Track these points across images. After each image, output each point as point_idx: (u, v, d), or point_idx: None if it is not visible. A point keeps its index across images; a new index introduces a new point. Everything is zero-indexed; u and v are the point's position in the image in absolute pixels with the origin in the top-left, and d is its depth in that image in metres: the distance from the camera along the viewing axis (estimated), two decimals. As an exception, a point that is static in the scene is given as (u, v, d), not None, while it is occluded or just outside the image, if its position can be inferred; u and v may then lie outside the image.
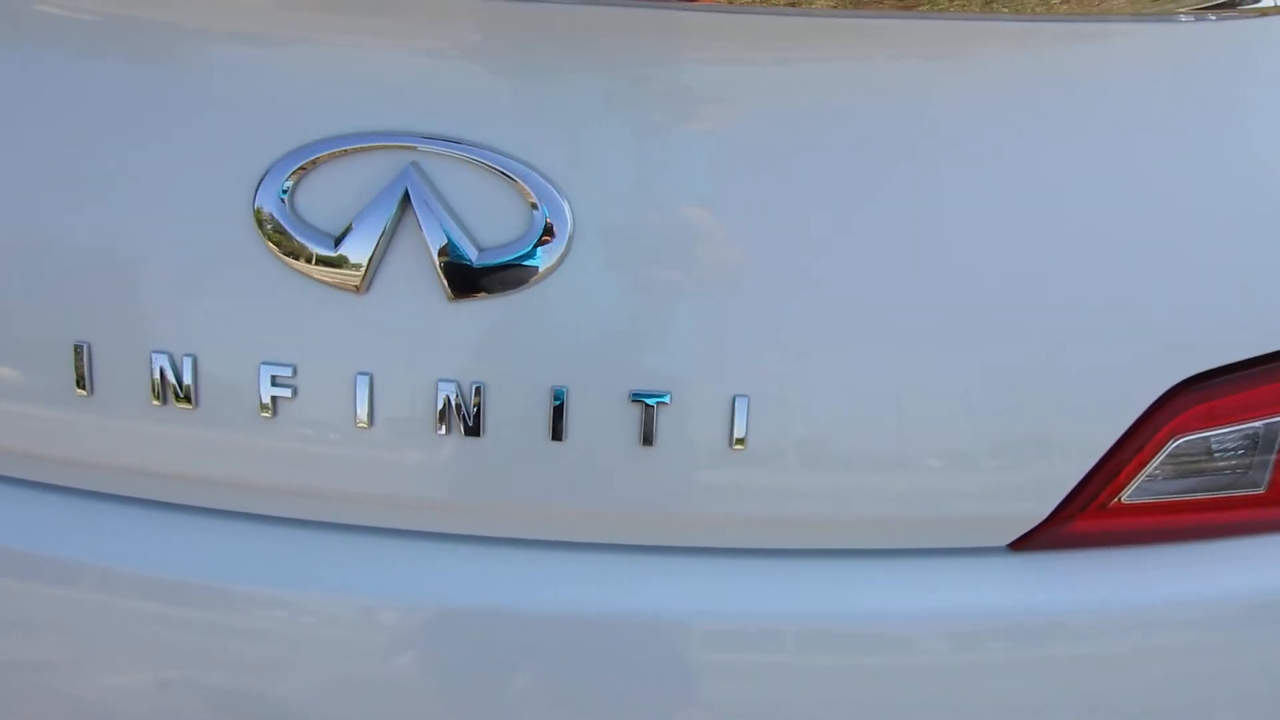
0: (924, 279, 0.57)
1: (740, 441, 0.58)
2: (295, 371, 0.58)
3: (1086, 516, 0.63)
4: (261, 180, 0.56)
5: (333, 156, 0.56)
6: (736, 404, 0.58)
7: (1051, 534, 0.63)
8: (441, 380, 0.58)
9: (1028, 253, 0.58)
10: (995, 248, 0.57)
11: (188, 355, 0.59)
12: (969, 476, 0.61)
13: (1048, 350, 0.58)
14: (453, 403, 0.58)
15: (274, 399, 0.59)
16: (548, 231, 0.56)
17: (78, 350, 0.59)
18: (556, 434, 0.58)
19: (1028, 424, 0.60)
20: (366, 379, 0.58)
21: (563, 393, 0.58)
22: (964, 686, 0.64)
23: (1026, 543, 0.64)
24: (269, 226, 0.57)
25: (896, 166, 0.56)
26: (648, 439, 0.58)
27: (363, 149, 0.56)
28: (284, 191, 0.56)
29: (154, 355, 0.59)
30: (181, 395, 0.59)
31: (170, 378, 0.59)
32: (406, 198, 0.55)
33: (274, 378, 0.58)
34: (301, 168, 0.56)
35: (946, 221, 0.57)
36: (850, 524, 0.63)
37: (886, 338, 0.57)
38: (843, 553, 0.64)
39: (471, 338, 0.58)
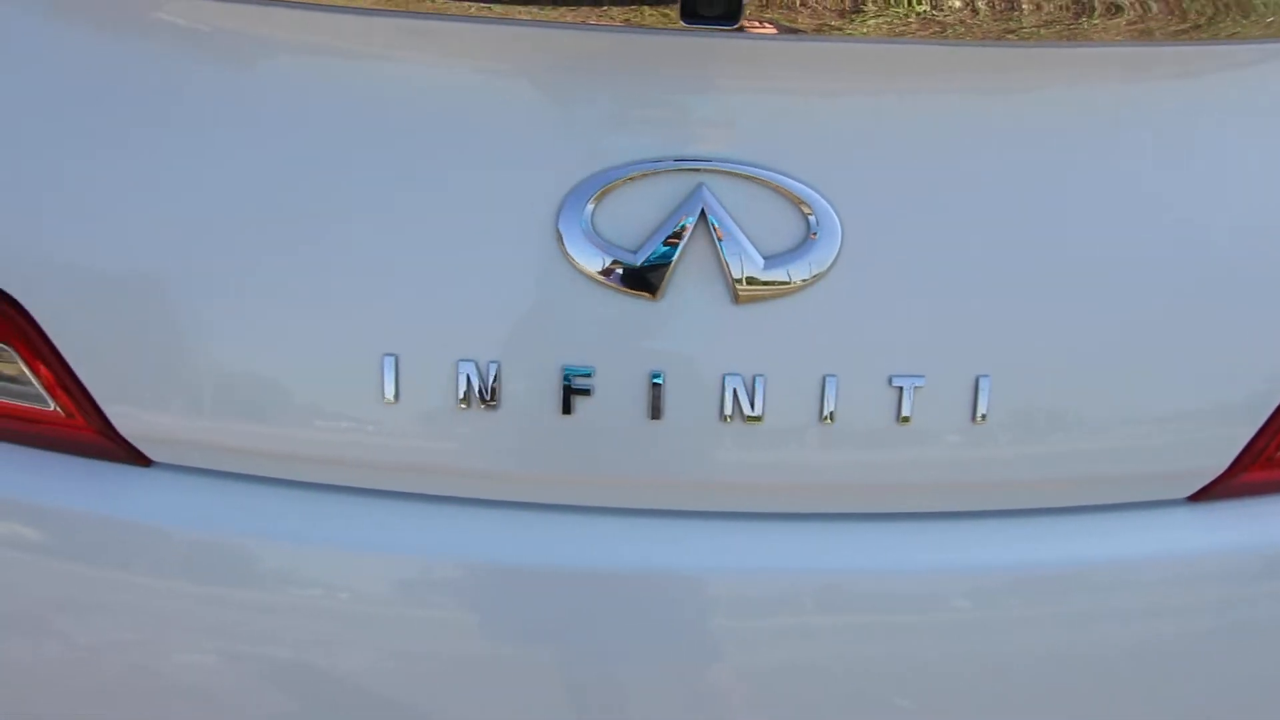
0: (1134, 268, 0.67)
1: (983, 417, 0.67)
2: (593, 373, 0.66)
3: (1257, 468, 0.73)
4: (566, 199, 0.64)
5: (632, 179, 0.64)
6: (980, 383, 0.67)
7: (1226, 485, 0.74)
8: (727, 374, 0.66)
9: (1213, 241, 0.68)
10: (1186, 239, 0.68)
11: (492, 362, 0.66)
12: (1164, 437, 0.71)
13: (1233, 328, 0.69)
14: (737, 394, 0.66)
15: (573, 398, 0.66)
16: (821, 241, 0.65)
17: (390, 362, 0.66)
18: (824, 416, 0.67)
19: (1213, 389, 0.70)
20: (660, 377, 0.66)
21: (833, 380, 0.66)
22: (1158, 627, 0.74)
23: (1204, 494, 0.74)
24: (572, 242, 0.64)
25: (1120, 179, 0.67)
26: (904, 418, 0.67)
27: (659, 172, 0.64)
28: (587, 209, 0.64)
29: (460, 364, 0.66)
30: (487, 399, 0.66)
31: (474, 383, 0.66)
32: (702, 214, 0.64)
33: (575, 379, 0.66)
34: (605, 188, 0.64)
35: (1153, 223, 0.68)
36: (1062, 483, 0.72)
37: (1106, 323, 0.67)
38: (1042, 511, 0.74)
39: (753, 336, 0.66)
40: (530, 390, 0.66)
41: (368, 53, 0.65)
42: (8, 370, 0.69)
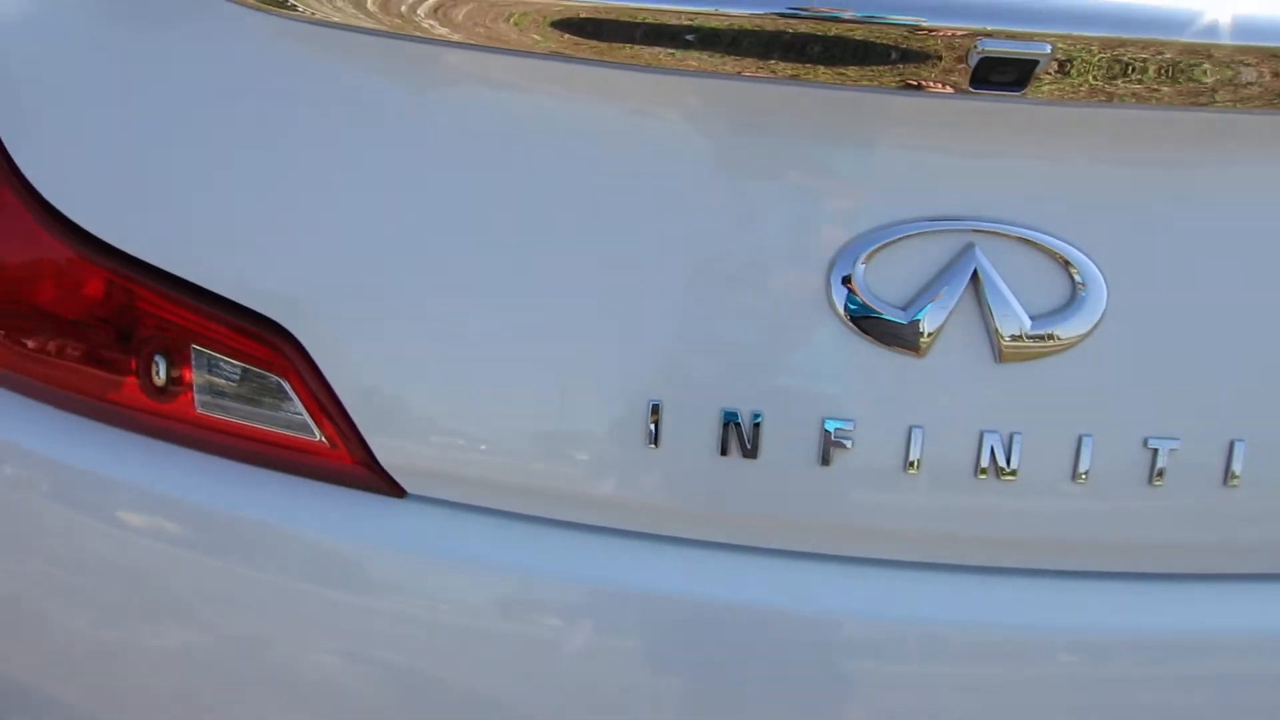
0: None
1: (1235, 480, 0.68)
2: (854, 425, 0.67)
3: None
4: (838, 256, 0.65)
5: (903, 239, 0.65)
6: (1235, 446, 0.67)
7: None
8: (985, 430, 0.67)
9: None
10: None
11: (755, 412, 0.68)
12: None
13: None
14: (994, 450, 0.67)
15: (833, 449, 0.67)
16: (1086, 302, 0.66)
17: (653, 408, 0.68)
18: (1078, 474, 0.68)
19: None
20: (920, 431, 0.67)
21: (1089, 439, 0.67)
22: None
23: None
24: (841, 298, 0.66)
25: None
26: (1157, 478, 0.68)
27: (930, 232, 0.65)
28: (857, 267, 0.65)
29: (723, 412, 0.68)
30: (748, 449, 0.68)
31: (736, 432, 0.68)
32: (973, 275, 0.65)
33: (835, 430, 0.67)
34: (877, 247, 0.65)
35: None
36: None
37: None
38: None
39: (1014, 394, 0.67)
40: (790, 441, 0.67)
41: (645, 108, 0.67)
42: (279, 401, 0.72)
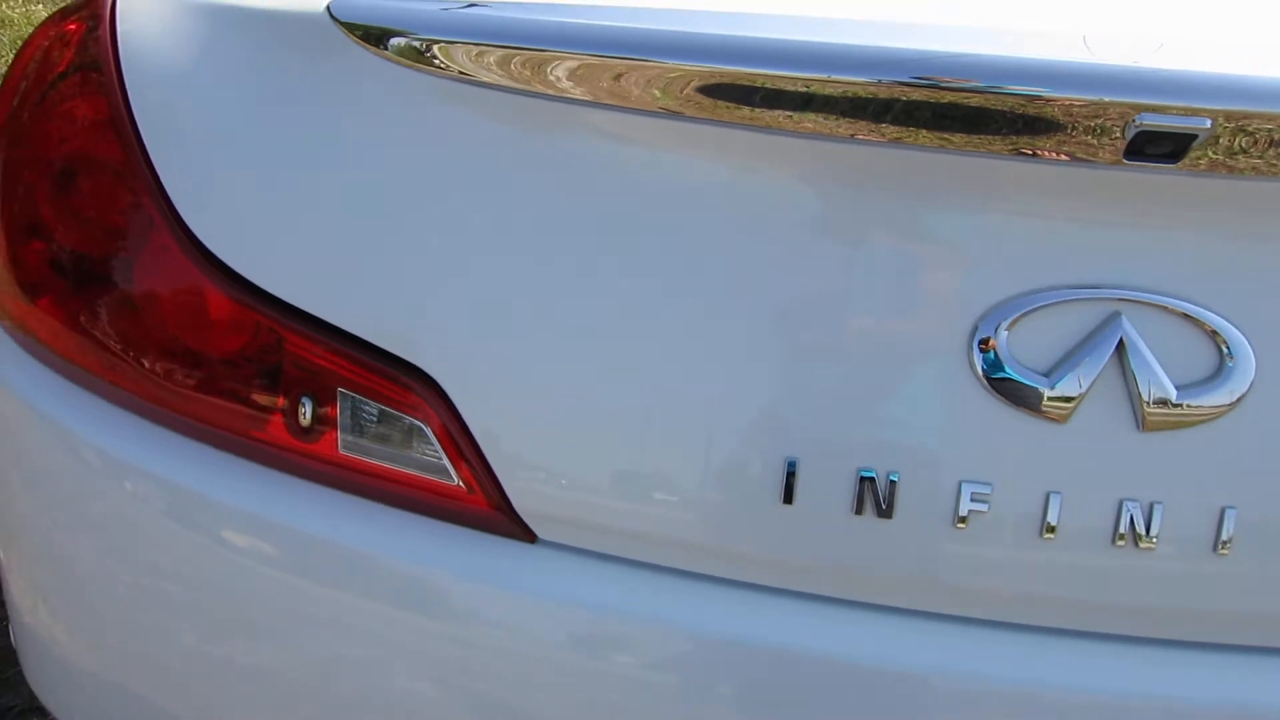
0: None
1: None
2: (992, 488, 0.67)
3: None
4: (981, 320, 0.66)
5: (1047, 306, 0.66)
6: None
7: None
8: (1125, 499, 0.67)
9: None
10: None
11: (891, 473, 0.68)
12: None
13: None
14: (1134, 519, 0.67)
15: (970, 512, 0.68)
16: (1234, 373, 0.65)
17: (789, 466, 0.69)
18: (1219, 545, 0.67)
19: None
20: (1058, 497, 0.67)
21: (1232, 511, 0.67)
22: None
23: None
24: (983, 363, 0.66)
25: None
26: None
27: (1076, 300, 0.66)
28: (999, 332, 0.66)
29: (859, 471, 0.68)
30: (883, 509, 0.68)
31: (872, 492, 0.68)
32: (1119, 344, 0.65)
33: (972, 494, 0.67)
34: (1021, 313, 0.66)
35: None
36: None
37: None
38: None
39: (1155, 463, 0.66)
40: (926, 502, 0.68)
41: (793, 168, 0.68)
42: (419, 444, 0.74)
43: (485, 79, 0.68)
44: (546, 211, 0.71)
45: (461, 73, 0.69)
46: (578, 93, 0.66)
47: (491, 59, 0.67)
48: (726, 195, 0.69)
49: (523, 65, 0.66)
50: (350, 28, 0.72)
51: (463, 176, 0.73)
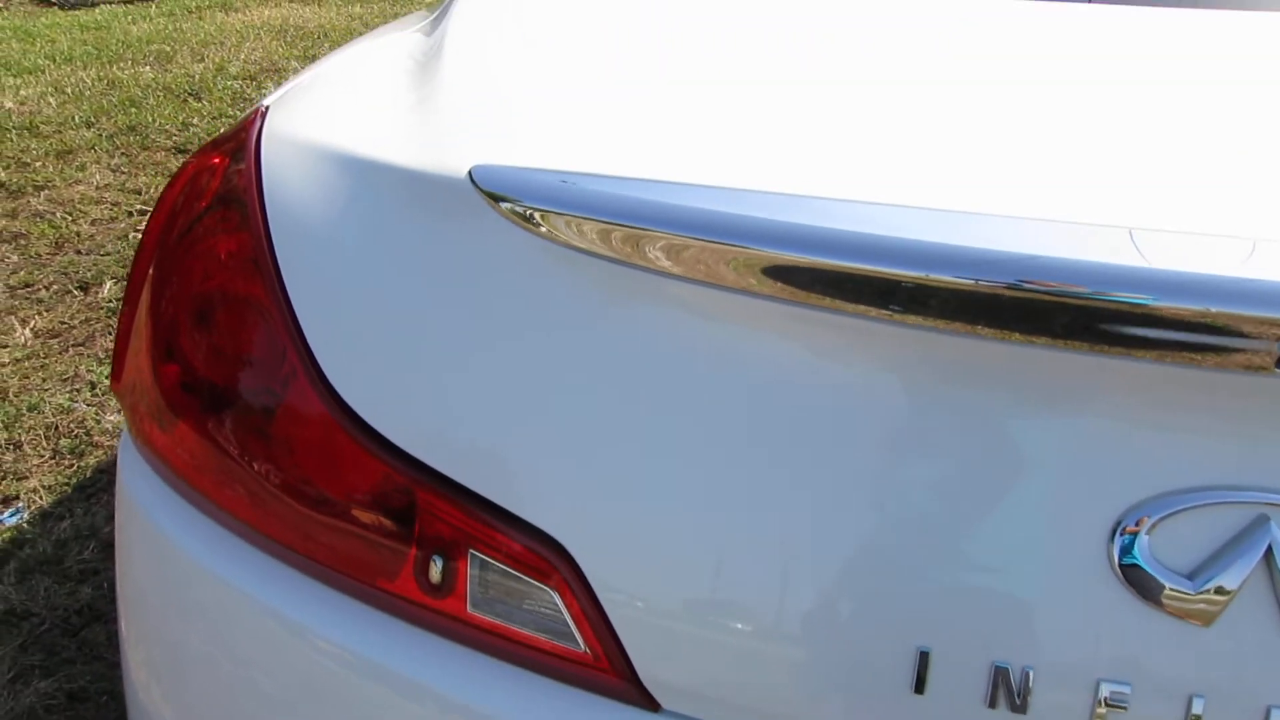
0: None
1: None
2: (1131, 689, 0.66)
3: None
4: (1122, 520, 0.65)
5: (1192, 508, 0.65)
6: None
7: None
8: (1273, 706, 0.65)
9: None
10: None
11: (1026, 667, 0.67)
12: None
13: None
14: None
15: (1106, 712, 0.66)
16: (1385, 581, 0.64)
17: (921, 654, 0.68)
18: None
19: None
20: (1201, 700, 0.65)
21: None
22: None
23: None
24: (1125, 564, 0.65)
25: None
26: None
27: (1220, 503, 0.65)
28: (1141, 531, 0.65)
29: (994, 665, 0.68)
30: (1017, 703, 0.67)
31: (1006, 686, 0.67)
32: (1268, 550, 0.64)
33: (1111, 693, 0.66)
34: (1164, 515, 0.65)
35: None
36: None
37: None
38: None
39: None
40: (1062, 699, 0.67)
41: (926, 357, 0.68)
42: (548, 610, 0.75)
43: (598, 250, 0.71)
44: (675, 386, 0.72)
45: (579, 246, 0.71)
46: (694, 273, 0.68)
47: (609, 234, 0.69)
48: (862, 379, 0.69)
49: (624, 240, 0.69)
50: (489, 195, 0.75)
51: (593, 348, 0.75)
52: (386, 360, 0.81)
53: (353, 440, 0.80)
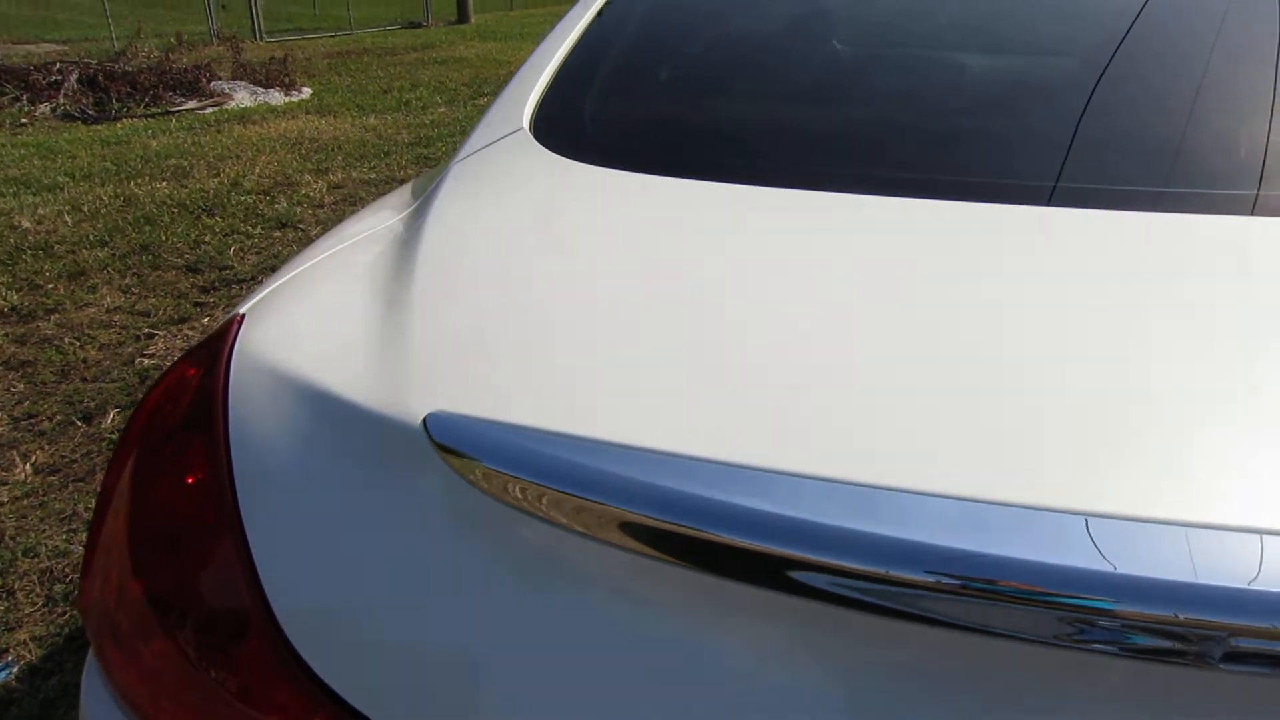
0: None
1: None
2: None
3: None
4: None
5: None
6: None
7: None
8: None
9: None
10: None
11: None
12: None
13: None
14: None
15: None
16: None
17: None
18: None
19: None
20: None
21: None
22: None
23: None
24: None
25: None
26: None
27: None
28: None
29: None
30: None
31: None
32: None
33: None
34: None
35: None
36: None
37: None
38: None
39: None
40: None
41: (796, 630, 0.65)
42: None
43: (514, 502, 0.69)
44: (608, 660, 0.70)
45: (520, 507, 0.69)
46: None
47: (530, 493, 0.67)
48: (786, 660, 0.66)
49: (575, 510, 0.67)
50: (440, 448, 0.73)
51: (531, 610, 0.72)
52: (341, 610, 0.78)
53: (298, 690, 0.77)
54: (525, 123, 1.32)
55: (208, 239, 4.93)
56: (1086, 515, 0.61)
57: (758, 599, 0.65)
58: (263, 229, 5.10)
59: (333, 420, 0.83)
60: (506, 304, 0.92)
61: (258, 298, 1.08)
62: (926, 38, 1.54)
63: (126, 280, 4.39)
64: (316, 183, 6.01)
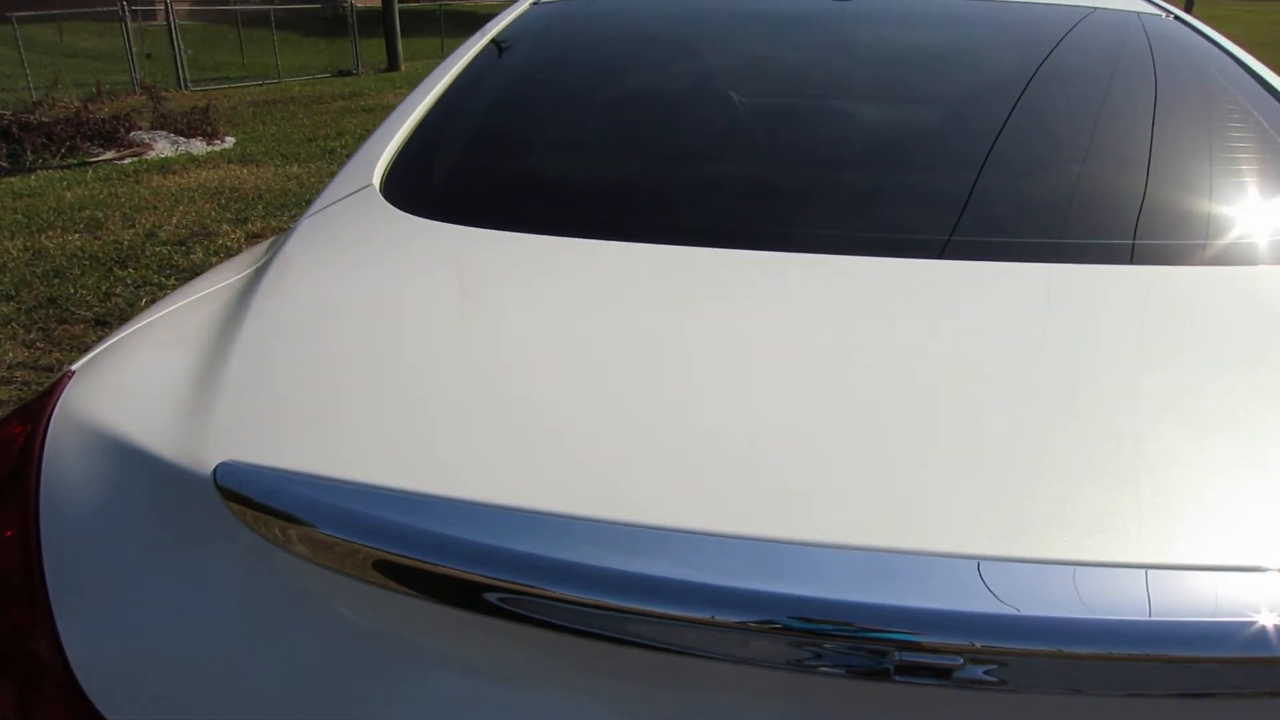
0: None
1: None
2: None
3: None
4: None
5: None
6: None
7: None
8: None
9: None
10: None
11: None
12: None
13: None
14: None
15: None
16: None
17: None
18: None
19: None
20: None
21: None
22: None
23: None
24: None
25: None
26: None
27: None
28: None
29: None
30: None
31: None
32: None
33: None
34: None
35: None
36: None
37: None
38: None
39: None
40: None
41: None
42: None
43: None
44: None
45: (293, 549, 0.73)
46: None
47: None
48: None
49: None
50: (224, 492, 0.76)
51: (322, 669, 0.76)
52: (134, 660, 0.80)
53: None
54: (375, 180, 1.36)
55: (119, 291, 4.88)
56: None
57: (495, 630, 0.69)
58: (177, 280, 5.06)
59: (137, 472, 0.86)
60: (323, 357, 0.95)
61: (90, 355, 1.10)
62: (775, 89, 1.62)
63: (31, 335, 4.32)
64: (235, 232, 5.97)
